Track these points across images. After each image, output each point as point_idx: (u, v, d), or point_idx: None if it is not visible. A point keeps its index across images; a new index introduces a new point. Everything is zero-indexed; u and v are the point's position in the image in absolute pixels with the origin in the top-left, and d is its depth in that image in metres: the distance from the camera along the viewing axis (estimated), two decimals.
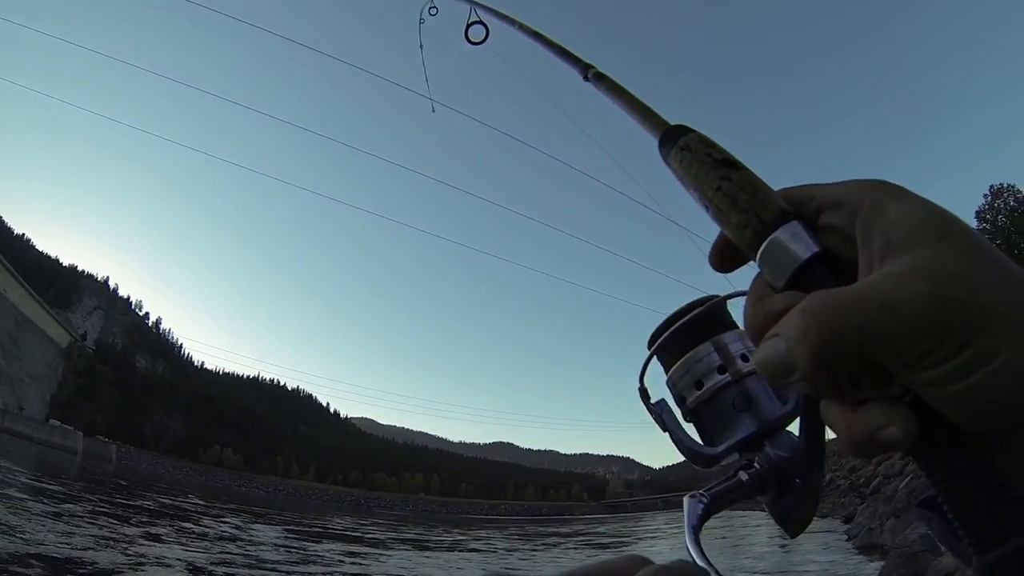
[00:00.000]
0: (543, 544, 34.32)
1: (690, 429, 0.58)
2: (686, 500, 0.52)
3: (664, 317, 0.61)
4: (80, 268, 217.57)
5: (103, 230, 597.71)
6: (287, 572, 15.06)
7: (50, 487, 24.65)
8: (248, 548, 18.49)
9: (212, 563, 14.50)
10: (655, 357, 0.60)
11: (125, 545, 14.11)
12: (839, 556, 15.14)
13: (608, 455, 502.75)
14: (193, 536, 19.12)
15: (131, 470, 74.03)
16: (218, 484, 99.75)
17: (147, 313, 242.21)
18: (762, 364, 0.39)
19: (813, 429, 0.47)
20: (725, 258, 0.47)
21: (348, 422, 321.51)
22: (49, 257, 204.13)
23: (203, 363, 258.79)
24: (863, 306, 0.35)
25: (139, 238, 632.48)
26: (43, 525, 14.00)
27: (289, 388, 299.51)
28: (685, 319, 0.57)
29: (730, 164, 0.48)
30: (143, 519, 21.30)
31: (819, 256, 0.41)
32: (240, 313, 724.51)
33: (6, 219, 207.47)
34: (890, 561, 9.80)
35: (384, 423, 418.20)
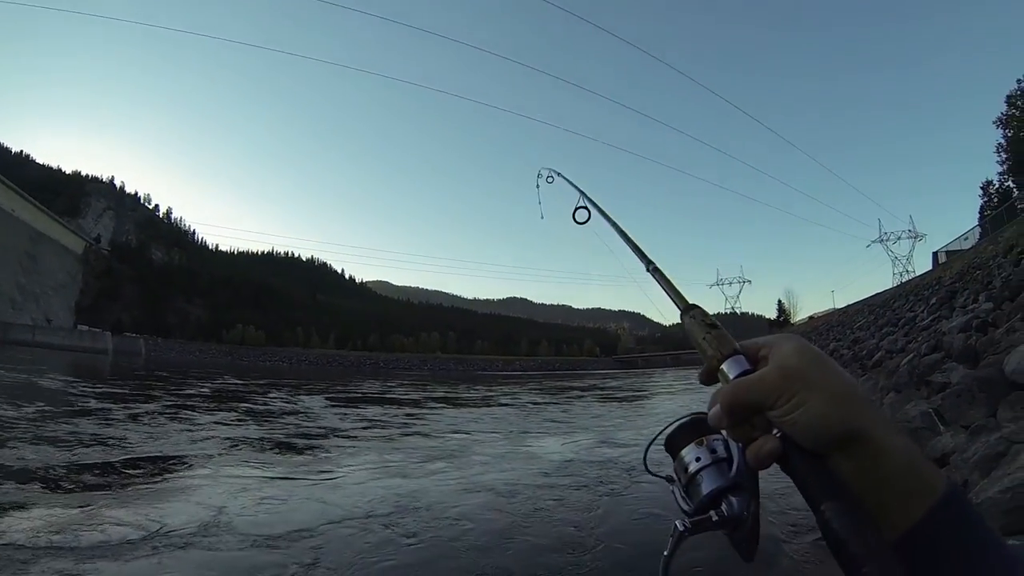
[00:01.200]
0: (565, 398, 35.50)
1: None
2: (676, 522, 0.75)
3: None
4: (84, 173, 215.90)
5: (98, 130, 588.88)
6: (364, 437, 16.42)
7: (114, 391, 26.06)
8: (315, 420, 19.99)
9: (291, 436, 15.96)
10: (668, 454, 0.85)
11: (208, 434, 15.37)
12: None
13: (620, 310, 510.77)
14: (259, 416, 20.57)
15: (161, 360, 76.33)
16: (244, 362, 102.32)
17: (156, 205, 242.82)
18: (711, 419, 0.74)
19: (751, 475, 0.73)
20: (707, 377, 0.79)
21: (364, 286, 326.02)
22: (51, 168, 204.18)
23: (217, 246, 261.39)
24: (748, 380, 0.71)
25: (135, 131, 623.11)
26: (130, 430, 15.08)
27: (304, 259, 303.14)
28: (675, 428, 0.83)
29: (712, 326, 0.82)
30: (209, 406, 22.88)
31: (744, 372, 0.74)
32: (246, 190, 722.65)
33: (2, 140, 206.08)
34: None
35: (398, 284, 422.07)
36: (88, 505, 8.29)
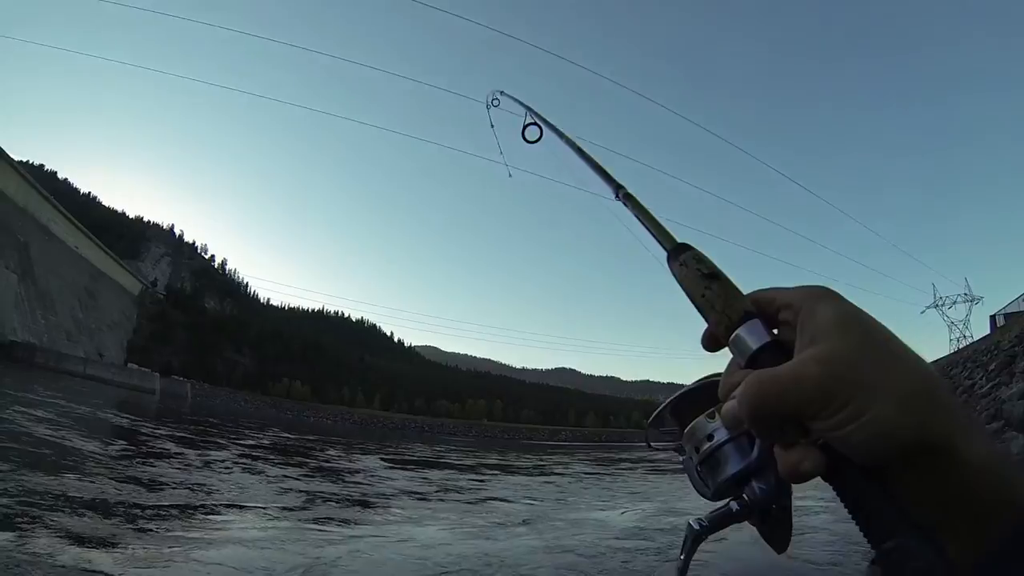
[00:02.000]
0: (617, 469, 35.44)
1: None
2: (689, 521, 0.67)
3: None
4: (146, 219, 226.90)
5: (163, 179, 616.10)
6: (437, 499, 16.65)
7: (181, 435, 26.78)
8: (384, 480, 20.19)
9: (366, 495, 16.14)
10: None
11: (283, 486, 15.74)
12: None
13: (668, 383, 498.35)
14: (327, 472, 21.04)
15: (206, 406, 77.25)
16: (288, 415, 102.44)
17: (212, 256, 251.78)
18: (724, 417, 0.58)
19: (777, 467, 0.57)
20: (711, 343, 0.64)
21: (412, 350, 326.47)
22: (116, 211, 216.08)
23: (269, 300, 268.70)
24: (779, 381, 0.52)
25: (197, 183, 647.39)
26: (209, 476, 15.55)
27: (354, 319, 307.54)
28: (683, 397, 0.74)
29: (713, 276, 0.65)
30: (275, 459, 23.32)
31: (767, 345, 0.57)
32: (303, 248, 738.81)
33: (72, 180, 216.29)
34: None
35: (447, 350, 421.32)
36: (186, 547, 8.59)
